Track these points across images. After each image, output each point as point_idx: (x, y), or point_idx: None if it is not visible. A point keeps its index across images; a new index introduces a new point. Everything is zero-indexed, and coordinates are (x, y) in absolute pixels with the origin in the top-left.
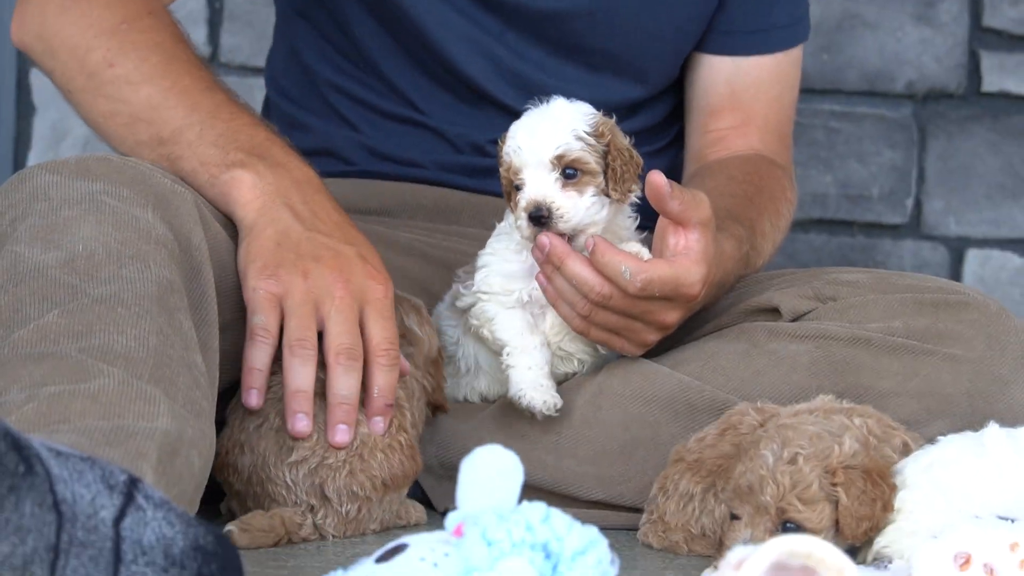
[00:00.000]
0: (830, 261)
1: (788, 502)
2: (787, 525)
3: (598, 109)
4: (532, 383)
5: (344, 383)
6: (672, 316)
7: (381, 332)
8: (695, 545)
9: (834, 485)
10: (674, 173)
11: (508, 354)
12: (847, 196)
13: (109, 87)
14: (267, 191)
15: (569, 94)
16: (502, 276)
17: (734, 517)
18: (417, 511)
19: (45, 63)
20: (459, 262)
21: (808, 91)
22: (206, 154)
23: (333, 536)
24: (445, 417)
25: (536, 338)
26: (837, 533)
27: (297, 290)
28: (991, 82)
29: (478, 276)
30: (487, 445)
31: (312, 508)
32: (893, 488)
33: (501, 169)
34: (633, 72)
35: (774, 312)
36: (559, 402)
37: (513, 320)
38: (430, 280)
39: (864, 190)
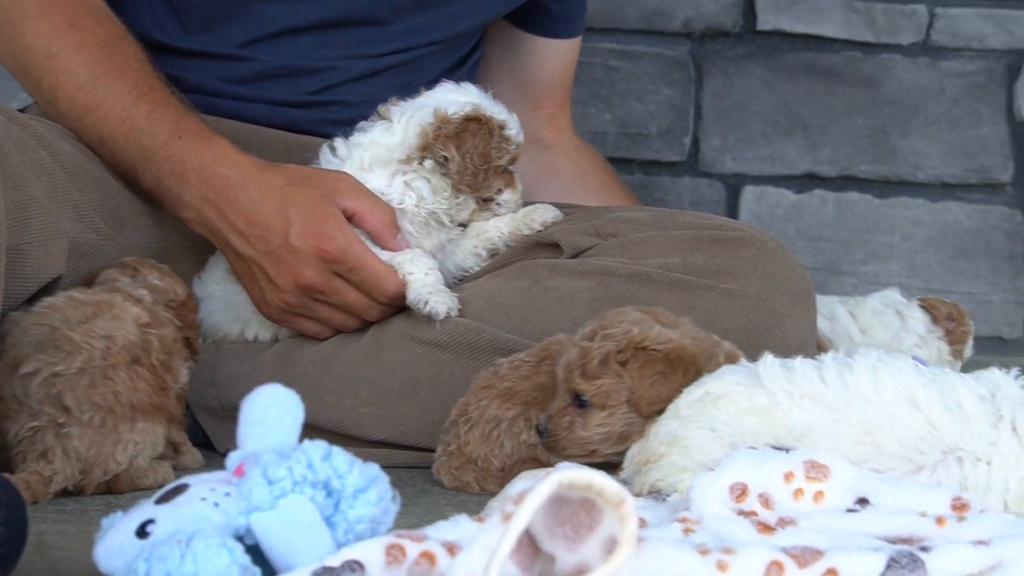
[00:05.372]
0: None
1: (571, 373)
2: (580, 399)
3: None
4: (433, 288)
5: None
6: None
7: None
8: (487, 483)
9: (622, 364)
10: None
11: (400, 264)
12: (626, 134)
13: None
14: None
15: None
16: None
17: None
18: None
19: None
20: None
21: (587, 30)
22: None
23: (81, 454)
24: (226, 358)
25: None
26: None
27: None
28: (766, 21)
29: None
30: (268, 384)
31: (56, 423)
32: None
33: (514, 151)
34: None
35: (555, 247)
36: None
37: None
38: None
39: (643, 128)
